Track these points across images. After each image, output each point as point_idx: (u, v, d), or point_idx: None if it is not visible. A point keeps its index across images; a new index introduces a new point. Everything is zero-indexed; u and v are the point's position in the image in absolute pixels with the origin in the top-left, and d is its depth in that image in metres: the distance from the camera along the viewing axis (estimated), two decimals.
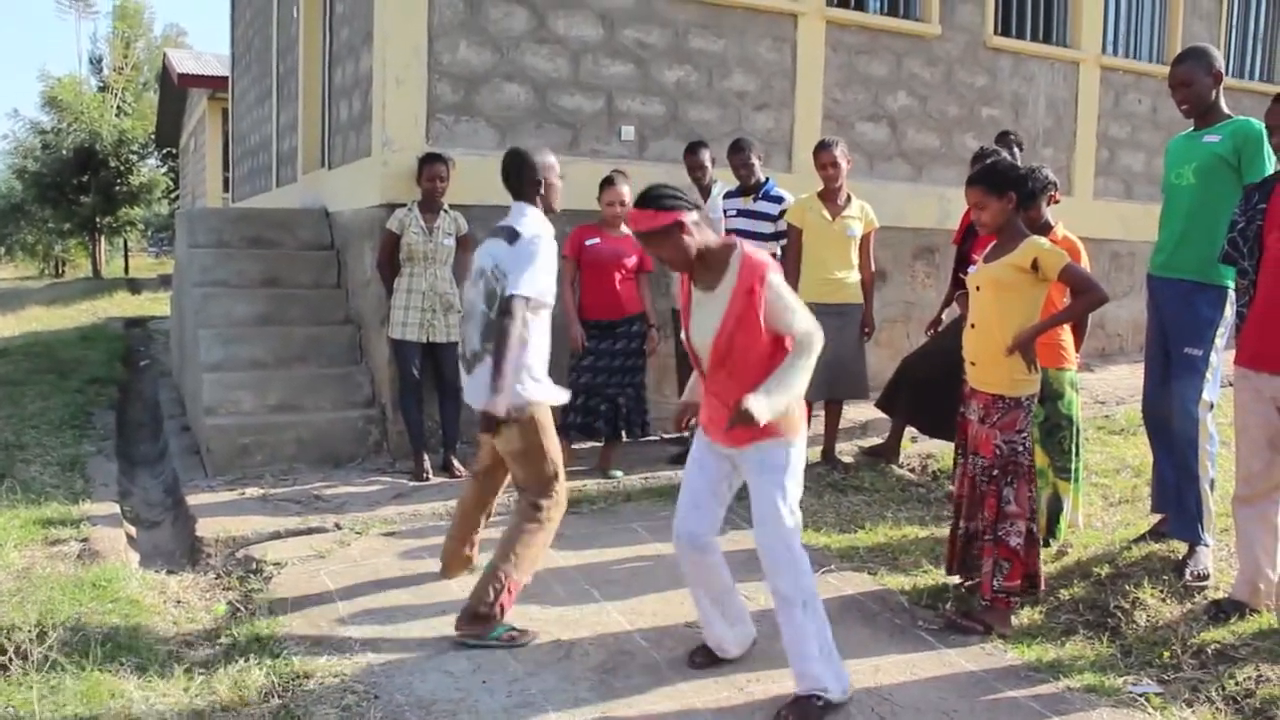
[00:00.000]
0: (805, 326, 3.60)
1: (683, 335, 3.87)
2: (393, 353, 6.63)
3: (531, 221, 4.31)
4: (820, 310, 6.31)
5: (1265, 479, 4.20)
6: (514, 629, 4.23)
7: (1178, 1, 10.61)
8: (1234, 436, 4.36)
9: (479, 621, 4.18)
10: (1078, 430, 5.14)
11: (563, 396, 4.49)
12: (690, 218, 3.61)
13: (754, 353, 3.61)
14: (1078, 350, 5.13)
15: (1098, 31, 10.01)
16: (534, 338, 4.25)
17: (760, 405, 3.43)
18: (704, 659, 4.05)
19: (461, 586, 4.80)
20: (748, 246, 3.70)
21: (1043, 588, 4.47)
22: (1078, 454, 5.16)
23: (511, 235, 4.27)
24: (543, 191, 4.40)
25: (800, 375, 3.56)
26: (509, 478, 4.67)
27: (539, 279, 4.19)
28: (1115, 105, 10.23)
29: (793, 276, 6.35)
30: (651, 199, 3.63)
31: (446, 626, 4.33)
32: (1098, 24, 10.00)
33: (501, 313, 4.15)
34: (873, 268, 6.70)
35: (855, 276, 6.60)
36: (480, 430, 4.31)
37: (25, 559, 4.98)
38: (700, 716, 3.66)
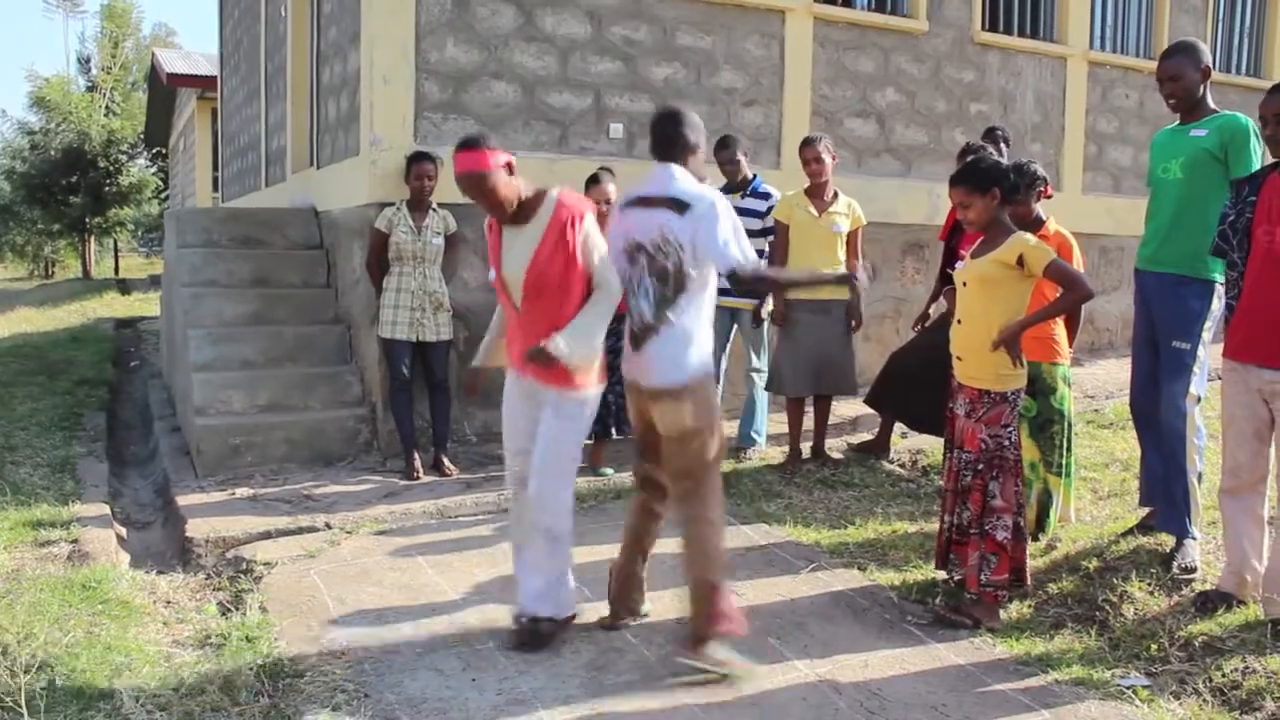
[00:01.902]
0: (605, 276, 3.89)
1: (490, 275, 4.11)
2: (382, 352, 6.63)
3: (688, 182, 4.04)
4: (806, 306, 6.41)
5: (1251, 470, 4.22)
6: (749, 665, 3.93)
7: None
8: (1221, 429, 4.38)
9: (705, 643, 3.91)
10: (1069, 425, 5.16)
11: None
12: (510, 159, 3.90)
13: (567, 284, 3.84)
14: (1070, 345, 5.15)
15: (1085, 26, 10.04)
16: (706, 310, 4.06)
17: (559, 345, 3.74)
18: (529, 634, 4.14)
19: (453, 586, 4.82)
20: (564, 191, 3.97)
21: (1029, 582, 4.48)
22: (1069, 449, 5.18)
23: (678, 205, 3.94)
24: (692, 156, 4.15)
25: (598, 322, 3.86)
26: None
27: (741, 239, 3.96)
28: (1103, 100, 10.26)
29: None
30: (483, 139, 3.89)
31: (437, 625, 4.34)
32: (1085, 19, 10.03)
33: (739, 277, 3.93)
34: (860, 262, 6.69)
35: (843, 270, 6.61)
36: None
37: (15, 561, 4.97)
38: (690, 712, 3.67)
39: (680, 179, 4.02)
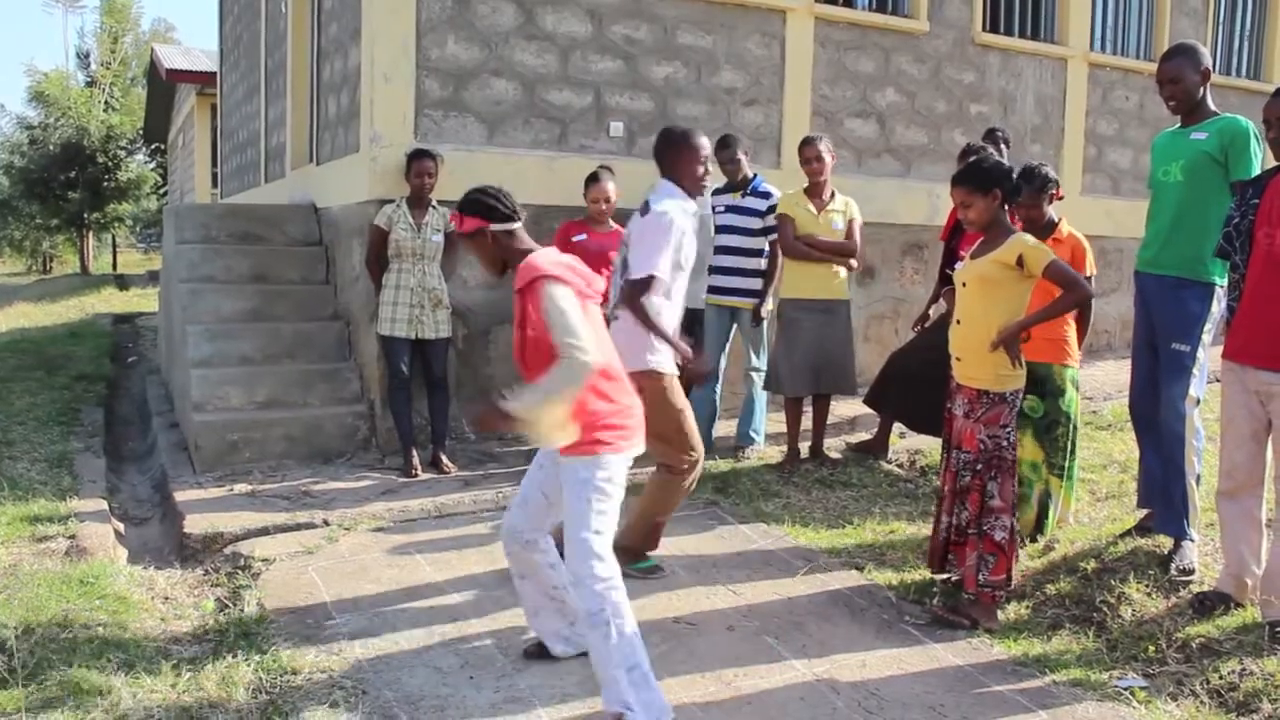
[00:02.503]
0: (571, 343, 3.37)
1: None
2: (381, 349, 6.63)
3: (668, 200, 4.54)
4: (806, 306, 6.42)
5: (1247, 472, 4.22)
6: (656, 564, 4.84)
7: None
8: (1219, 430, 4.38)
9: (626, 555, 4.39)
10: (1075, 428, 5.16)
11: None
12: (495, 227, 3.63)
13: (541, 359, 3.45)
14: (1080, 346, 5.15)
15: (1086, 28, 10.03)
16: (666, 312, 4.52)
17: (517, 403, 3.38)
18: (537, 651, 4.05)
19: (451, 583, 4.82)
20: (535, 254, 3.60)
21: (1015, 580, 4.48)
22: (1073, 452, 5.19)
23: (645, 208, 4.56)
24: (694, 173, 4.63)
25: (555, 385, 3.36)
26: None
27: (658, 258, 4.43)
28: (1103, 102, 10.26)
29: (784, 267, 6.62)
30: (467, 203, 3.67)
31: (435, 622, 4.34)
32: (1086, 21, 10.02)
33: (630, 297, 4.45)
34: (859, 243, 6.65)
35: (843, 272, 6.62)
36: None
37: (12, 556, 4.97)
38: (688, 711, 3.67)
39: (662, 189, 4.59)
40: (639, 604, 4.53)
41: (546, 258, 3.62)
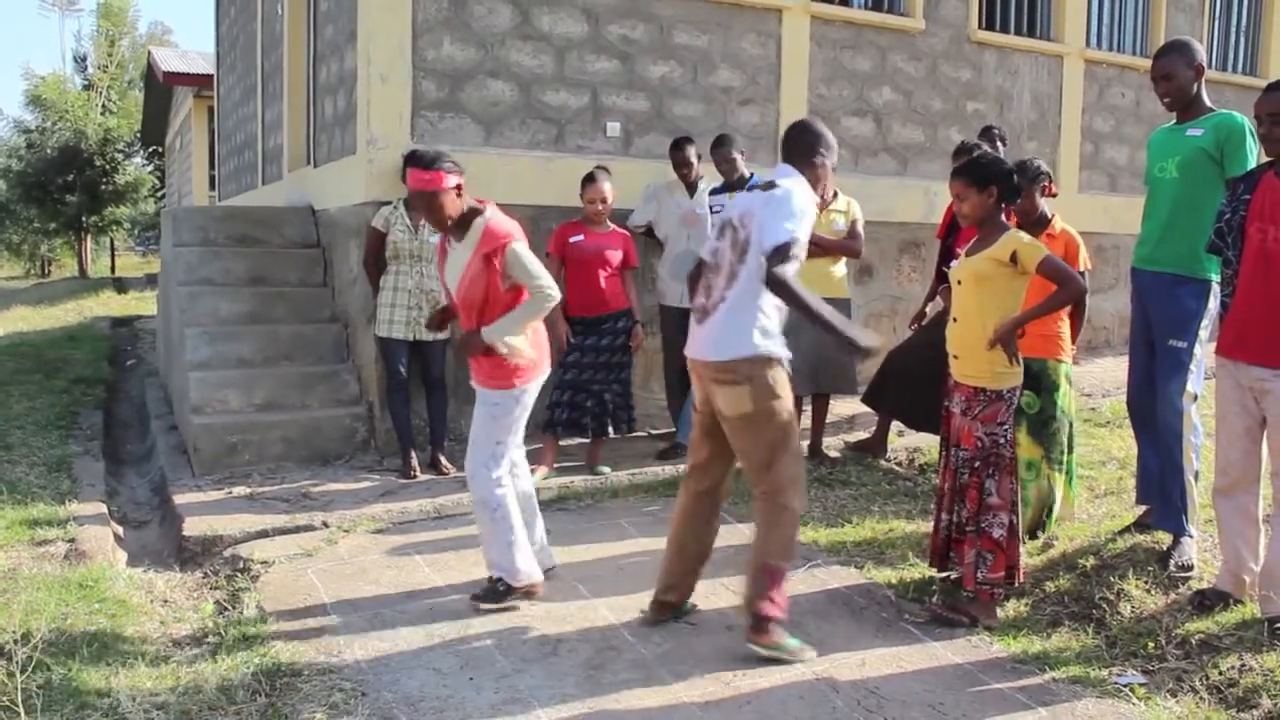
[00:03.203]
0: (540, 284, 4.32)
1: (439, 276, 4.62)
2: (380, 351, 6.63)
3: (795, 181, 4.10)
4: None
5: (1242, 469, 4.23)
6: (805, 645, 4.02)
7: None
8: (1214, 426, 4.38)
9: (761, 626, 3.96)
10: (1070, 423, 5.17)
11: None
12: (458, 180, 4.31)
13: (487, 304, 4.33)
14: (1074, 341, 5.16)
15: (1081, 25, 10.05)
16: (770, 297, 4.03)
17: (484, 334, 4.30)
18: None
19: (450, 584, 4.82)
20: (492, 216, 4.36)
21: (1020, 579, 4.48)
22: (1070, 447, 5.19)
23: (769, 185, 4.09)
24: (818, 170, 4.20)
25: (522, 318, 4.33)
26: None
27: (798, 225, 3.94)
28: (1099, 99, 10.27)
29: None
30: (428, 160, 4.28)
31: (434, 623, 4.34)
32: (1081, 17, 10.04)
33: (769, 267, 3.89)
34: (861, 241, 6.68)
35: (841, 270, 6.63)
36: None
37: (11, 560, 4.97)
38: (688, 710, 3.67)
39: (791, 175, 4.13)
40: (638, 605, 4.55)
41: (502, 219, 4.40)
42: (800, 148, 4.20)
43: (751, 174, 6.82)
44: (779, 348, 4.04)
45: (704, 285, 4.18)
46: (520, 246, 4.35)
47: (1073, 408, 5.24)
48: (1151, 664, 3.97)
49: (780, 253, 3.86)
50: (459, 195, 4.35)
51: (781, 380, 4.03)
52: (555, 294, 4.36)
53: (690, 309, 4.28)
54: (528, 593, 4.52)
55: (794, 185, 4.06)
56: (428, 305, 6.42)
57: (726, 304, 4.01)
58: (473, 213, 4.39)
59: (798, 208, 3.97)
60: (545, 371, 4.59)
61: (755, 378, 3.96)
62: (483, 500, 4.43)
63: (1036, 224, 5.09)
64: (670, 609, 4.38)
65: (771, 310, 4.04)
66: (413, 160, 4.38)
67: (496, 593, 4.49)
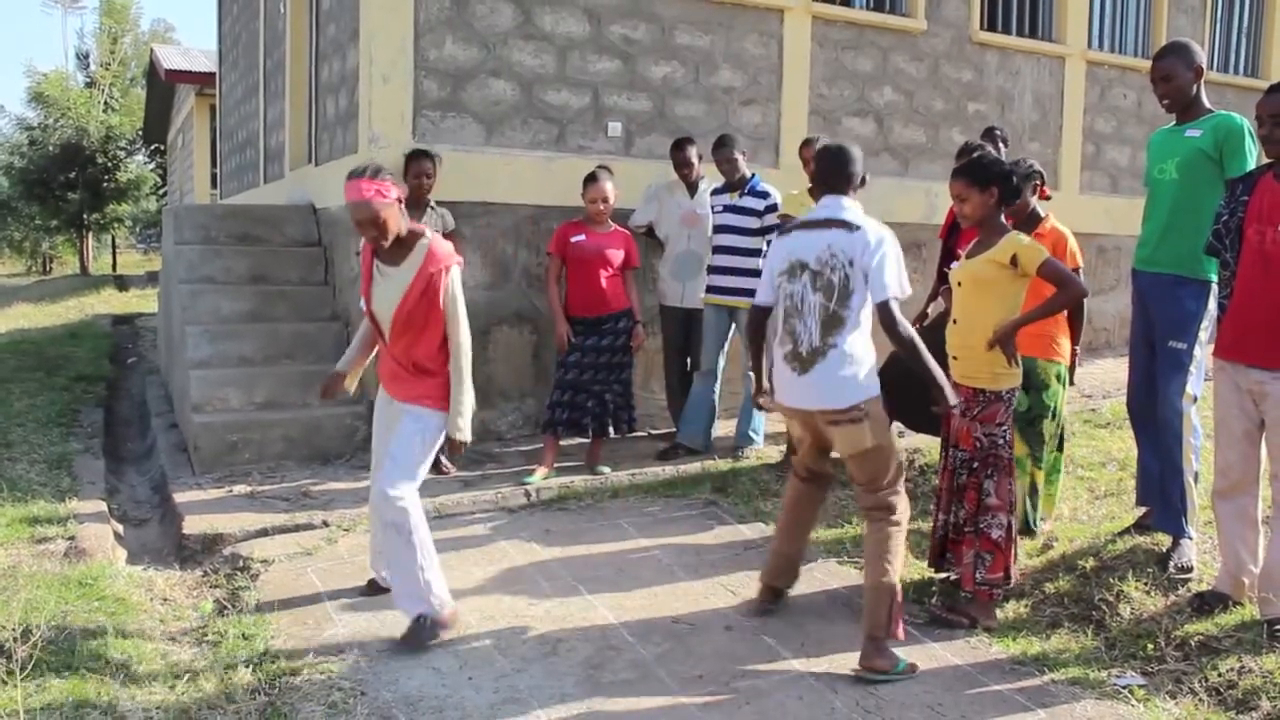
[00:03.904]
0: (464, 332, 4.20)
1: (361, 304, 4.38)
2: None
3: (860, 212, 4.20)
4: None
5: (1241, 471, 4.22)
6: (913, 664, 3.98)
7: None
8: (1214, 428, 4.38)
9: (881, 649, 3.94)
10: (1060, 423, 5.16)
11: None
12: (398, 194, 4.10)
13: (429, 326, 4.17)
14: (1075, 343, 5.15)
15: (1083, 26, 10.04)
16: (866, 330, 4.20)
17: (461, 432, 4.21)
18: (371, 589, 4.66)
19: (449, 583, 4.81)
20: (434, 239, 4.19)
21: (1014, 579, 4.48)
22: (1059, 447, 5.19)
23: (847, 226, 4.11)
24: (858, 185, 4.34)
25: (467, 373, 4.20)
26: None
27: (903, 276, 4.13)
28: (1101, 100, 10.27)
29: None
30: (370, 171, 4.06)
31: None
32: (1083, 19, 10.03)
33: (891, 320, 4.05)
34: None
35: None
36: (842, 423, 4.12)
37: (11, 557, 4.97)
38: (687, 711, 3.68)
39: (849, 207, 4.19)
40: (637, 605, 4.55)
41: (444, 242, 4.24)
42: (846, 174, 4.26)
43: (752, 174, 6.83)
44: (878, 381, 4.20)
45: (789, 331, 4.20)
46: (459, 275, 4.22)
47: (1064, 408, 5.24)
48: (1151, 666, 3.97)
49: (895, 299, 4.05)
50: (401, 211, 4.15)
51: (885, 414, 4.23)
52: (469, 346, 4.23)
53: (780, 356, 4.25)
54: (448, 623, 4.23)
55: (875, 225, 4.15)
56: None
57: (838, 350, 4.09)
58: (414, 235, 4.19)
59: (895, 254, 4.11)
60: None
61: (872, 414, 4.12)
62: (396, 524, 4.12)
63: (1028, 222, 5.09)
64: (777, 595, 4.59)
65: (871, 347, 4.20)
66: (353, 173, 4.08)
67: (423, 631, 4.16)
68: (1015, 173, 4.94)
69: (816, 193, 6.36)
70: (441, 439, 4.26)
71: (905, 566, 4.91)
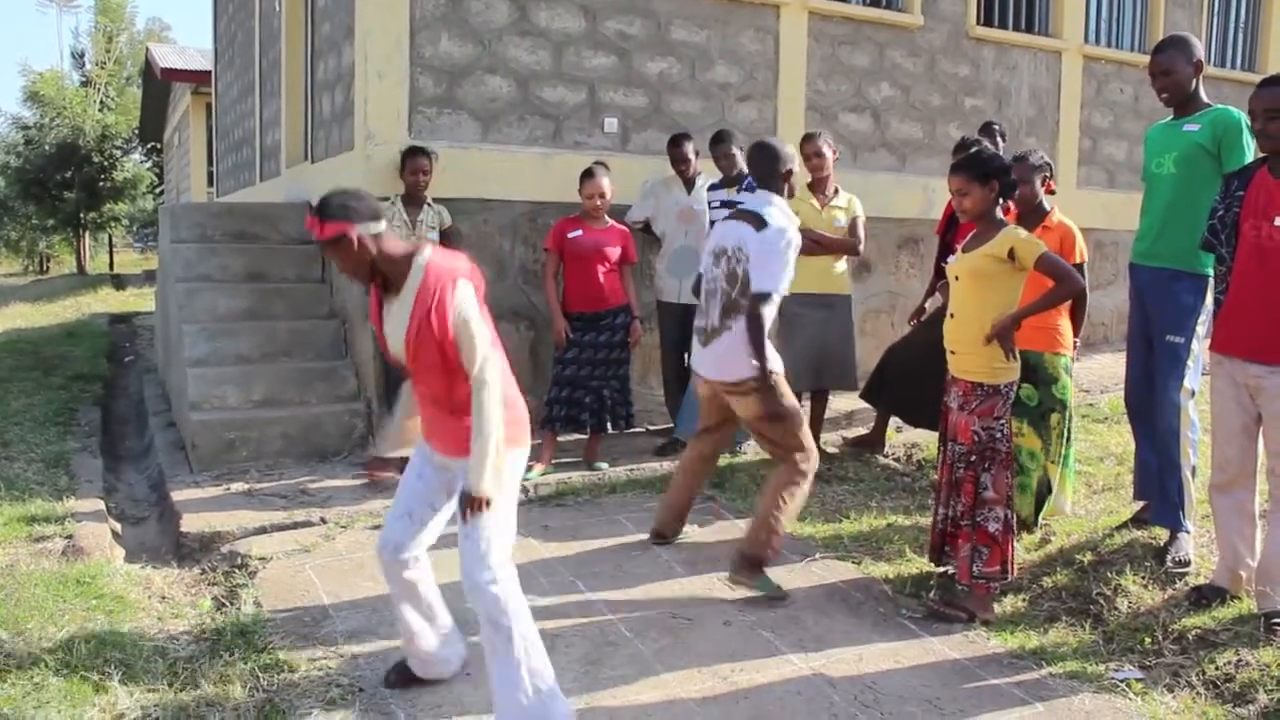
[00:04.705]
0: (482, 363, 3.29)
1: (377, 338, 3.61)
2: (377, 347, 6.61)
3: (779, 212, 4.66)
4: (808, 300, 6.40)
5: (1239, 465, 4.23)
6: (779, 587, 4.58)
7: None
8: (1211, 422, 4.39)
9: (750, 565, 4.55)
10: (1070, 416, 5.17)
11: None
12: (362, 230, 3.31)
13: (445, 363, 3.37)
14: (1076, 335, 5.16)
15: (1080, 21, 10.04)
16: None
17: (482, 483, 3.26)
18: (398, 679, 3.79)
19: (447, 579, 4.81)
20: (435, 255, 3.42)
21: (1013, 574, 4.49)
22: (1069, 440, 5.19)
23: (759, 222, 4.59)
24: (789, 181, 4.81)
25: (491, 412, 3.26)
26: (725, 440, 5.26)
27: (782, 276, 4.57)
28: (1098, 94, 10.27)
29: None
30: (323, 207, 3.32)
31: None
32: (1080, 13, 10.03)
33: (752, 307, 4.50)
34: (862, 239, 6.65)
35: (843, 266, 6.62)
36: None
37: (9, 556, 4.97)
38: (685, 706, 3.68)
39: (773, 204, 4.69)
40: (635, 600, 4.56)
41: (447, 257, 3.44)
42: (768, 169, 4.77)
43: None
44: (775, 360, 4.61)
45: (702, 308, 4.78)
46: (468, 291, 3.36)
47: (1072, 401, 5.25)
48: (1148, 659, 3.98)
49: (765, 298, 4.51)
50: (372, 241, 3.36)
51: (780, 380, 4.65)
52: (495, 380, 3.29)
53: (694, 328, 4.83)
54: None
55: (781, 220, 4.61)
56: None
57: (731, 333, 4.59)
58: (406, 258, 3.41)
59: (785, 253, 4.57)
60: (528, 443, 3.62)
61: (761, 388, 4.58)
62: (491, 618, 3.36)
63: (1034, 214, 5.10)
64: (664, 540, 5.26)
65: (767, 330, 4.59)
66: (312, 209, 3.38)
67: None
68: (1026, 160, 4.98)
69: (815, 184, 6.47)
70: (513, 477, 3.49)
71: (898, 564, 4.94)
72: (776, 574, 4.88)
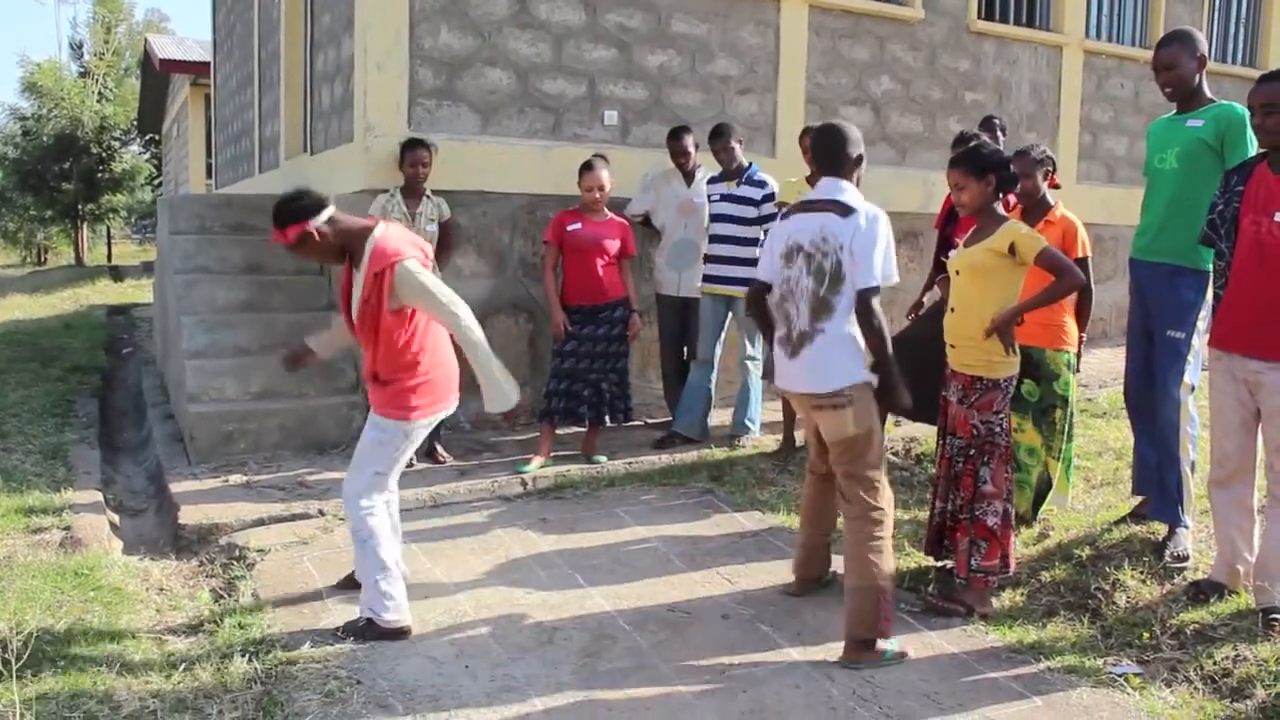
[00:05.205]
0: (451, 310, 4.01)
1: (340, 307, 4.31)
2: None
3: (857, 196, 4.15)
4: None
5: (1238, 460, 4.22)
6: (900, 649, 3.99)
7: None
8: (1209, 418, 4.38)
9: (868, 648, 3.94)
10: (1071, 412, 5.17)
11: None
12: (316, 222, 3.97)
13: (381, 333, 4.02)
14: (1082, 331, 5.15)
15: (1081, 15, 10.03)
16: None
17: (493, 400, 4.11)
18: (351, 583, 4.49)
19: (446, 572, 4.82)
20: (382, 235, 4.03)
21: (1013, 568, 4.49)
22: (1069, 436, 5.19)
23: (843, 209, 4.05)
24: (859, 169, 4.26)
25: (480, 349, 4.07)
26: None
27: (888, 263, 4.06)
28: (1098, 89, 10.25)
29: None
30: (277, 216, 4.00)
31: (430, 611, 4.34)
32: (1081, 8, 10.01)
33: (862, 306, 3.97)
34: None
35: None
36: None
37: (6, 548, 4.96)
38: (683, 699, 3.68)
39: (847, 190, 4.13)
40: (633, 594, 4.56)
41: (394, 237, 4.05)
42: (842, 154, 4.20)
43: (750, 163, 6.82)
44: (868, 370, 4.11)
45: (783, 315, 4.17)
46: (408, 268, 3.98)
47: (1075, 398, 5.25)
48: (1146, 654, 3.98)
49: (873, 292, 3.97)
50: (328, 227, 4.03)
51: (873, 402, 4.12)
52: (467, 319, 4.05)
53: (776, 339, 4.23)
54: (396, 634, 4.12)
55: (869, 208, 4.09)
56: None
57: (825, 336, 4.03)
58: (362, 235, 4.05)
59: (886, 238, 4.06)
60: (444, 410, 4.29)
61: (857, 402, 4.04)
62: (355, 530, 4.17)
63: (1038, 208, 5.09)
64: (814, 581, 4.65)
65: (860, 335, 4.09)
66: (274, 220, 4.07)
67: (359, 630, 4.14)
68: (1028, 154, 4.97)
69: (815, 176, 6.36)
70: (405, 443, 4.20)
71: (897, 558, 4.93)
72: (775, 567, 4.90)
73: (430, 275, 4.05)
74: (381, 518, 4.19)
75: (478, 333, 4.09)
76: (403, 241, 4.07)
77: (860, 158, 4.23)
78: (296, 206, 4.00)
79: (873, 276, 3.97)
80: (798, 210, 4.23)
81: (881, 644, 3.95)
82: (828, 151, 4.22)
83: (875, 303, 3.97)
